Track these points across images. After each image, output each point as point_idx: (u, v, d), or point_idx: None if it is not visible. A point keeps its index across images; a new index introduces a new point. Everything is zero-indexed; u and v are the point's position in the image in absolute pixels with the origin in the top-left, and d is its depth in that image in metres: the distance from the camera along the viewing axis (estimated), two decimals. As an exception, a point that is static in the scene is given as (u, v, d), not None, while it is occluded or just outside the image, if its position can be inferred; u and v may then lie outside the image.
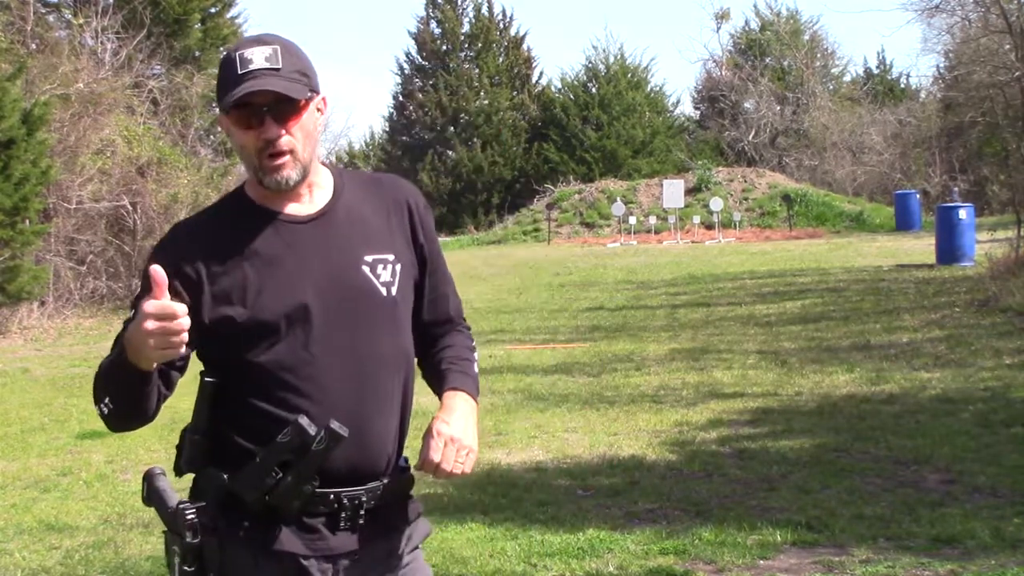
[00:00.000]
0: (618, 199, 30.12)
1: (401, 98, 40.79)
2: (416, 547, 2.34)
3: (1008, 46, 17.56)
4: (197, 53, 23.61)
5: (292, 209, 2.22)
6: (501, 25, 40.70)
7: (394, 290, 2.26)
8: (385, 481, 2.27)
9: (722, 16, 43.97)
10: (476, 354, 2.49)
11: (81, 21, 19.85)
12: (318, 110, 2.22)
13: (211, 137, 24.32)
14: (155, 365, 2.07)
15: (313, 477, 2.12)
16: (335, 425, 2.10)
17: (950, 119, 32.37)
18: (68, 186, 17.17)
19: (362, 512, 2.20)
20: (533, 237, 30.49)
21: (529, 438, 7.89)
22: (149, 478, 2.25)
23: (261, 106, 2.13)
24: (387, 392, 2.29)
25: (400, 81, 41.09)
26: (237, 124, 2.16)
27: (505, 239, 30.87)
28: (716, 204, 29.02)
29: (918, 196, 28.96)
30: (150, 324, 1.95)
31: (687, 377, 10.09)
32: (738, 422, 8.17)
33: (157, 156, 18.62)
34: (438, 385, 2.45)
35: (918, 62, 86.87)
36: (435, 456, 2.25)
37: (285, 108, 2.14)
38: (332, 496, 2.16)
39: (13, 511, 6.68)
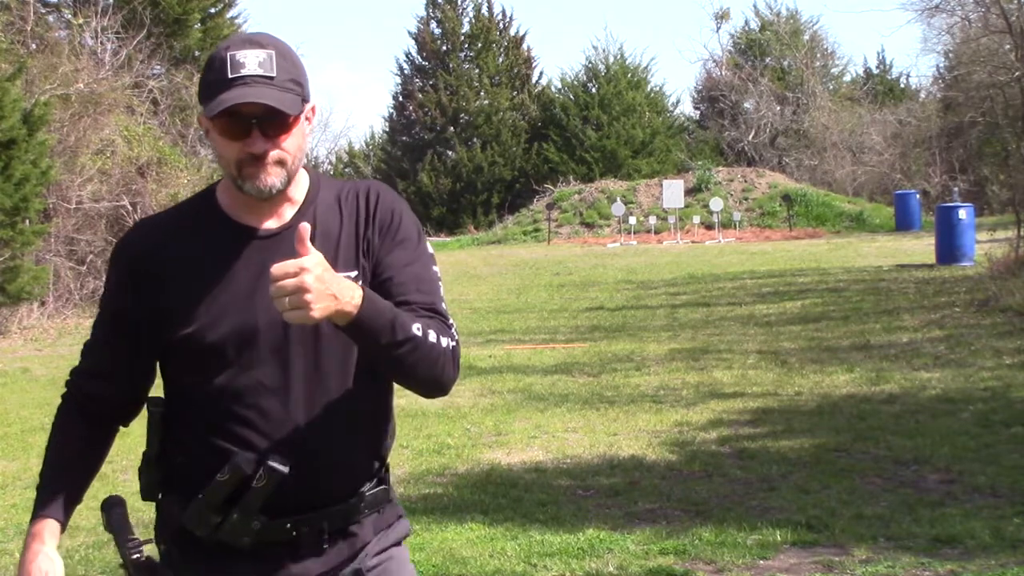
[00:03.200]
0: (618, 199, 30.12)
1: (401, 98, 40.78)
2: (387, 548, 2.18)
3: (1008, 46, 17.56)
4: (197, 53, 23.61)
5: (259, 222, 2.08)
6: (501, 25, 40.70)
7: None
8: (351, 502, 2.11)
9: (722, 16, 44.00)
10: (437, 336, 2.04)
11: (81, 21, 19.85)
12: (307, 119, 2.07)
13: (211, 137, 24.35)
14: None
15: (257, 513, 2.01)
16: (274, 462, 1.98)
17: (950, 119, 32.36)
18: (68, 186, 17.18)
19: (325, 536, 2.08)
20: (533, 237, 30.50)
21: (529, 438, 7.89)
22: (107, 508, 2.16)
23: (250, 117, 1.96)
24: (350, 414, 2.08)
25: (400, 81, 41.12)
26: (222, 132, 1.99)
27: (505, 239, 30.88)
28: (716, 204, 29.02)
29: (918, 196, 28.97)
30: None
31: (687, 377, 10.09)
32: (738, 422, 8.18)
33: (157, 156, 18.62)
34: None
35: (918, 62, 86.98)
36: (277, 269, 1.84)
37: (276, 121, 1.98)
38: (289, 525, 2.04)
39: (13, 511, 6.68)
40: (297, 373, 2.03)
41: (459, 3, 40.35)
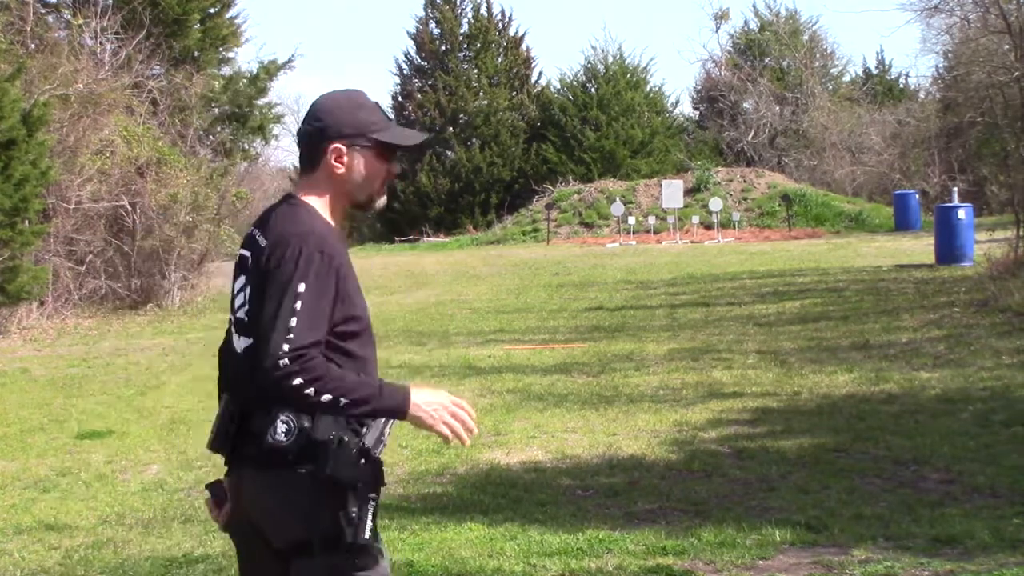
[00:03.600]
0: (617, 199, 30.12)
1: (400, 98, 40.76)
2: None
3: (1007, 46, 17.55)
4: (196, 53, 23.60)
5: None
6: (500, 25, 40.68)
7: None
8: None
9: (721, 16, 43.95)
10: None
11: (80, 21, 19.83)
12: None
13: (210, 137, 24.34)
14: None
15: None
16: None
17: (949, 119, 32.36)
18: (67, 186, 17.16)
19: None
20: (532, 237, 30.49)
21: (528, 438, 7.89)
22: (343, 442, 2.55)
23: (398, 148, 2.72)
24: None
25: (399, 81, 41.09)
26: (381, 158, 2.70)
27: (504, 239, 30.87)
28: (715, 204, 29.03)
29: (917, 196, 28.98)
30: (451, 420, 2.59)
31: (687, 377, 10.08)
32: (738, 422, 8.17)
33: (156, 156, 18.61)
34: None
35: (917, 62, 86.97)
36: None
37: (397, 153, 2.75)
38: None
39: (12, 511, 6.67)
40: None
41: (458, 3, 40.33)
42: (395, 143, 2.70)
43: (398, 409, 2.55)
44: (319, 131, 2.68)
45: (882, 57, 47.29)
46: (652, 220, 29.41)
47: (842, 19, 79.77)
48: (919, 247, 21.11)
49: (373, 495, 2.59)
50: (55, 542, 5.95)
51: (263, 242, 2.65)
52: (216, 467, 7.84)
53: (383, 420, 2.62)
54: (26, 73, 16.32)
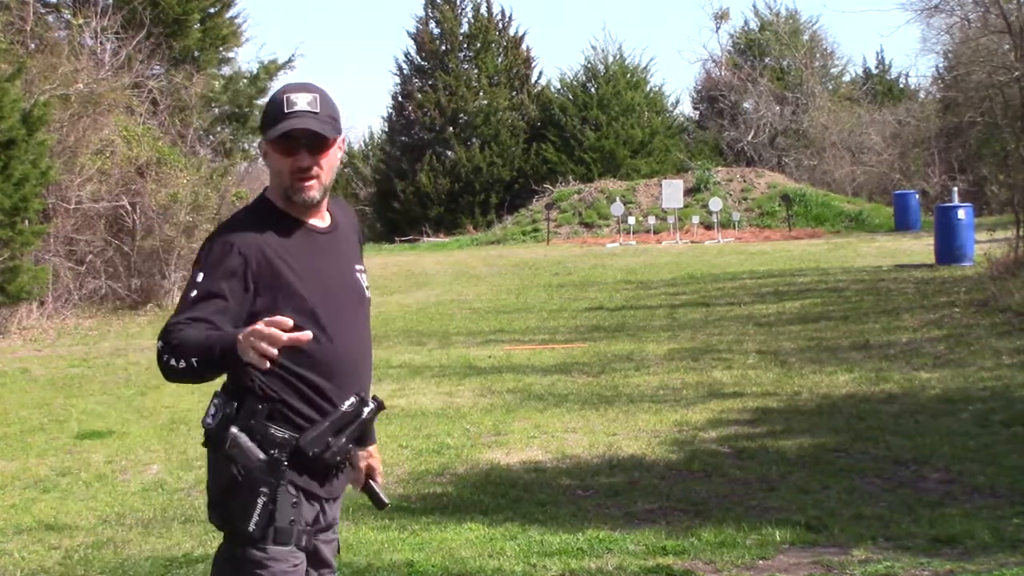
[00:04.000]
0: (617, 199, 30.11)
1: (400, 98, 40.72)
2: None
3: (1007, 46, 17.54)
4: (196, 53, 23.57)
5: (313, 221, 2.81)
6: (500, 25, 40.65)
7: (369, 292, 2.95)
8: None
9: (721, 16, 43.92)
10: None
11: (81, 21, 19.82)
12: (339, 148, 2.81)
13: (210, 137, 24.32)
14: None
15: (357, 439, 2.78)
16: (377, 397, 2.81)
17: (949, 119, 32.32)
18: (67, 186, 17.14)
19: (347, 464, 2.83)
20: (532, 237, 30.49)
21: (528, 438, 7.89)
22: (235, 436, 2.63)
23: (299, 139, 2.71)
24: (371, 372, 2.92)
25: (399, 81, 41.05)
26: (278, 151, 2.74)
27: (504, 239, 30.87)
28: (715, 204, 29.01)
29: (917, 196, 28.96)
30: (263, 346, 2.45)
31: (687, 377, 10.09)
32: (738, 422, 8.18)
33: (156, 156, 18.59)
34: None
35: (917, 62, 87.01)
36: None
37: (317, 144, 2.73)
38: (347, 451, 2.76)
39: (12, 511, 6.67)
40: (353, 334, 2.82)
41: (458, 3, 40.30)
42: (269, 138, 2.72)
43: (231, 351, 2.51)
44: None
45: (882, 57, 47.37)
46: (652, 220, 29.40)
47: (842, 19, 79.87)
48: (919, 247, 21.10)
49: (265, 490, 2.62)
50: (55, 542, 5.95)
51: None
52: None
53: (327, 423, 2.68)
54: (26, 73, 16.31)
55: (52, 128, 16.52)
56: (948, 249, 17.95)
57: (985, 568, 4.81)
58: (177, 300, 15.96)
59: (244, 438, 2.64)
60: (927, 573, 4.84)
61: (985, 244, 17.19)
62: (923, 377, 9.47)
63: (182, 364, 2.56)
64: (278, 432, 2.66)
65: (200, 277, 2.66)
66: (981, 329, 11.54)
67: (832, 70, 44.79)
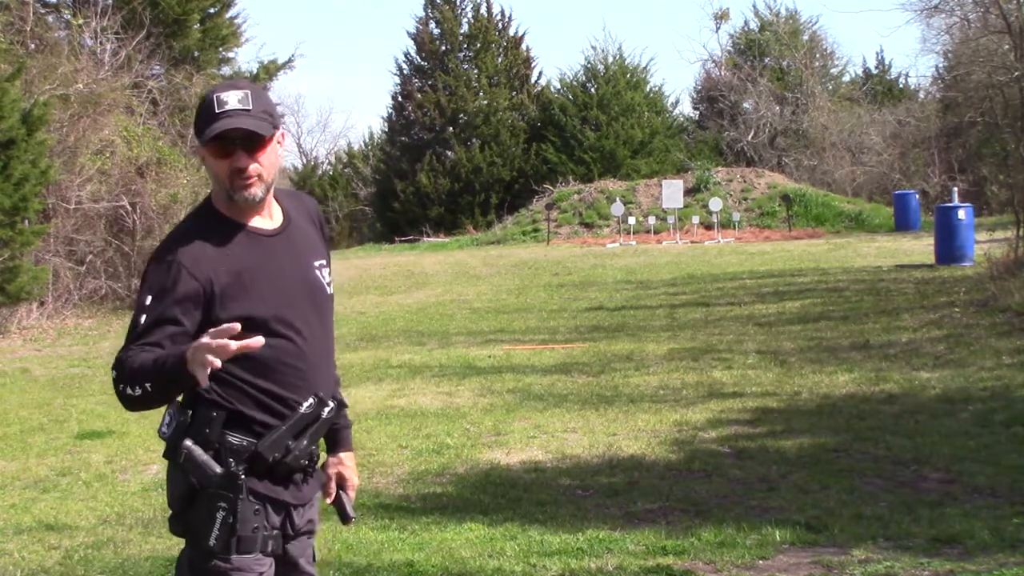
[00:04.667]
0: (617, 199, 30.11)
1: (400, 98, 40.71)
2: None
3: (1007, 46, 17.55)
4: (196, 53, 23.57)
5: (257, 223, 2.71)
6: (500, 25, 40.64)
7: (330, 288, 2.84)
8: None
9: (721, 16, 43.91)
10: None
11: (80, 21, 19.82)
12: (278, 143, 2.71)
13: (210, 137, 24.29)
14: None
15: (314, 440, 2.69)
16: (340, 397, 2.76)
17: (949, 119, 32.34)
18: (67, 186, 17.15)
19: (315, 466, 2.77)
20: (532, 237, 30.48)
21: (528, 438, 7.89)
22: (189, 449, 2.60)
23: (233, 139, 2.61)
24: (332, 371, 2.85)
25: (399, 81, 41.03)
26: (213, 154, 2.63)
27: (504, 239, 30.86)
28: (715, 204, 29.01)
29: (917, 196, 28.95)
30: (207, 357, 2.37)
31: (687, 377, 10.08)
32: (738, 422, 8.17)
33: (156, 156, 18.60)
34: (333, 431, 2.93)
35: (917, 62, 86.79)
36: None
37: (253, 142, 2.63)
38: (311, 453, 2.71)
39: (12, 511, 6.67)
40: (316, 335, 2.74)
41: (458, 3, 40.29)
42: (203, 141, 2.63)
43: (181, 370, 2.44)
44: None
45: (882, 57, 47.34)
46: (652, 220, 29.40)
47: (842, 19, 79.84)
48: (919, 247, 21.10)
49: (223, 504, 2.58)
50: (55, 542, 5.95)
51: None
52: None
53: (284, 426, 2.63)
54: (26, 73, 16.32)
55: (52, 128, 16.52)
56: (948, 249, 17.95)
57: (985, 568, 4.81)
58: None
59: (198, 451, 2.59)
60: (927, 573, 4.84)
61: (985, 244, 17.19)
62: (923, 377, 9.47)
63: (137, 391, 2.51)
64: (235, 440, 2.61)
65: (148, 300, 2.58)
66: (981, 329, 11.54)
67: (832, 70, 44.78)
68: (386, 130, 42.72)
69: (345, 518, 2.97)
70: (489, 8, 40.45)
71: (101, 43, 20.19)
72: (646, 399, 9.15)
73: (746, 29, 44.29)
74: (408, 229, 36.68)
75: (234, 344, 2.38)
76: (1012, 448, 6.95)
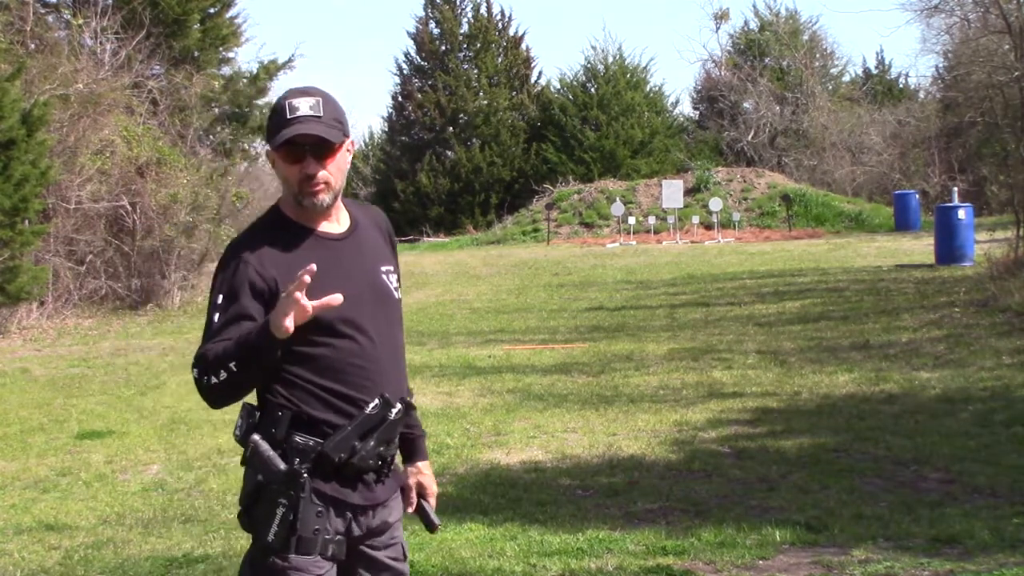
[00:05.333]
0: (617, 199, 30.11)
1: (400, 98, 40.74)
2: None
3: (1007, 46, 17.55)
4: (196, 53, 23.56)
5: (325, 227, 2.76)
6: (500, 25, 40.65)
7: (399, 293, 2.88)
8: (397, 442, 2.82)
9: (721, 16, 43.91)
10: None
11: (80, 21, 19.82)
12: (347, 151, 2.75)
13: (210, 137, 24.31)
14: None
15: (386, 442, 2.70)
16: (406, 398, 2.74)
17: (949, 119, 32.34)
18: (67, 186, 17.15)
19: (391, 467, 2.78)
20: (532, 237, 30.49)
21: (528, 438, 7.88)
22: (256, 443, 2.64)
23: (304, 146, 2.65)
24: (401, 374, 2.84)
25: (399, 81, 41.06)
26: (283, 159, 2.68)
27: (504, 239, 30.86)
28: (715, 204, 29.01)
29: (917, 196, 28.96)
30: (298, 296, 2.44)
31: (687, 377, 10.08)
32: (738, 422, 8.17)
33: (156, 156, 18.59)
34: (403, 438, 2.92)
35: (917, 62, 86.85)
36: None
37: (323, 149, 2.67)
38: (380, 455, 2.71)
39: (12, 511, 6.67)
40: (384, 338, 2.77)
41: (458, 3, 40.30)
42: (274, 146, 2.69)
43: (267, 336, 2.50)
44: None
45: (882, 57, 47.39)
46: (652, 220, 29.40)
47: (842, 19, 79.84)
48: (919, 247, 21.11)
49: (284, 501, 2.60)
50: (55, 542, 5.95)
51: None
52: (215, 467, 7.87)
53: (350, 427, 2.65)
54: (26, 73, 16.31)
55: (52, 128, 16.52)
56: (948, 249, 17.96)
57: (985, 568, 4.80)
58: (177, 301, 15.84)
59: (264, 446, 2.63)
60: (927, 573, 4.84)
61: (985, 244, 17.19)
62: (923, 377, 9.46)
63: (222, 375, 2.55)
64: (301, 439, 2.64)
65: (220, 300, 2.65)
66: (981, 329, 11.54)
67: (832, 70, 44.80)
68: (386, 130, 42.75)
69: (430, 526, 3.00)
70: (489, 8, 40.47)
71: (101, 43, 20.18)
72: (646, 399, 9.15)
73: (746, 29, 44.32)
74: (408, 229, 36.69)
75: (311, 303, 2.46)
76: (1012, 448, 6.95)
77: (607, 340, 12.56)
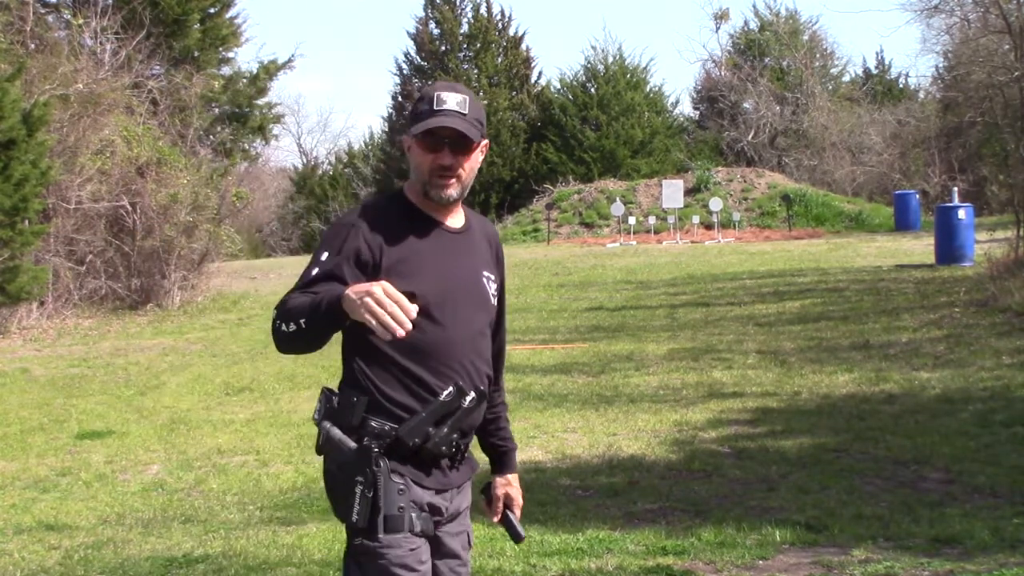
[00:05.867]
0: (617, 199, 30.10)
1: (400, 98, 40.71)
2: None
3: (1007, 46, 17.55)
4: (196, 53, 23.59)
5: (447, 220, 2.84)
6: (500, 25, 40.64)
7: (494, 300, 2.93)
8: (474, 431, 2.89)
9: (721, 16, 43.88)
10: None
11: (80, 21, 19.83)
12: (482, 152, 2.84)
13: (210, 137, 24.33)
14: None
15: (460, 430, 2.75)
16: (481, 388, 2.79)
17: (949, 119, 32.34)
18: (68, 186, 17.15)
19: (465, 454, 2.84)
20: (532, 237, 30.48)
21: (528, 438, 7.88)
22: (328, 430, 2.71)
23: (443, 138, 2.74)
24: (481, 372, 2.84)
25: (399, 81, 41.05)
26: (421, 147, 2.77)
27: (504, 239, 30.85)
28: (715, 204, 29.00)
29: (917, 196, 28.95)
30: (375, 306, 2.42)
31: (687, 377, 10.08)
32: (738, 422, 8.17)
33: (156, 156, 18.59)
34: (496, 450, 3.11)
35: (917, 62, 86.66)
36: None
37: (461, 144, 2.76)
38: (454, 442, 2.76)
39: (12, 511, 6.67)
40: (471, 332, 2.81)
41: (458, 3, 40.30)
42: (415, 132, 2.77)
43: (336, 304, 2.52)
44: None
45: (882, 57, 47.33)
46: (652, 220, 29.39)
47: (842, 19, 79.81)
48: (919, 247, 21.10)
49: (360, 479, 2.64)
50: (55, 542, 5.95)
51: None
52: (215, 467, 7.86)
53: (425, 413, 2.69)
54: (26, 73, 16.31)
55: (52, 128, 16.52)
56: (948, 249, 17.94)
57: (985, 568, 4.80)
58: (177, 301, 15.84)
59: (336, 431, 2.69)
60: (927, 573, 4.84)
61: (985, 244, 17.19)
62: (923, 377, 9.46)
63: (292, 327, 2.58)
64: (376, 424, 2.68)
65: (324, 256, 2.71)
66: (981, 329, 11.54)
67: (832, 70, 44.77)
68: (386, 130, 42.73)
69: (516, 536, 3.04)
70: (489, 8, 40.46)
71: (101, 43, 20.19)
72: (646, 399, 9.15)
73: (746, 29, 44.29)
74: (408, 229, 36.67)
75: (410, 307, 2.46)
76: (1012, 448, 6.95)
77: (607, 340, 12.56)
